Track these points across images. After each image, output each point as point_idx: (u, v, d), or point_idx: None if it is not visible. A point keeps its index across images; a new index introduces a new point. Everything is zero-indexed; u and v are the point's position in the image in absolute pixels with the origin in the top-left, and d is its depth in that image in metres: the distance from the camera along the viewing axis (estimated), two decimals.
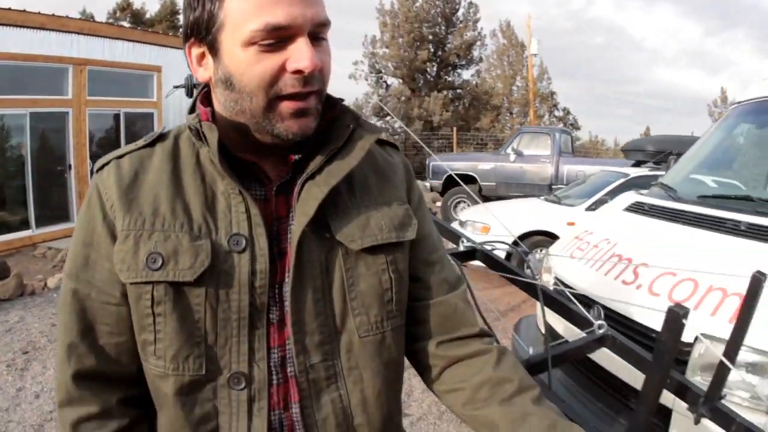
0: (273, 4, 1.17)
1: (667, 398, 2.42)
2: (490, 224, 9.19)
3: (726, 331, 2.22)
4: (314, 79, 1.23)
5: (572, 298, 2.57)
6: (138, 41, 16.35)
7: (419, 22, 35.82)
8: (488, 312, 5.10)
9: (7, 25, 12.98)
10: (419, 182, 14.74)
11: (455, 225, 9.72)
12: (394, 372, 1.44)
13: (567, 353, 2.42)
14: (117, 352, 1.31)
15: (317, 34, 1.23)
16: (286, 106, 1.23)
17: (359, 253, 1.35)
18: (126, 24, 34.16)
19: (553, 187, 15.24)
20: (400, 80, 37.55)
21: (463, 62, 37.93)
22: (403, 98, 36.66)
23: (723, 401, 2.05)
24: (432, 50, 36.74)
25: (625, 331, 2.91)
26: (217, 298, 1.25)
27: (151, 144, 1.36)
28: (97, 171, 1.35)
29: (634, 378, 2.88)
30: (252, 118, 1.26)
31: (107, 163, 1.34)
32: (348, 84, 41.53)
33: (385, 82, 38.32)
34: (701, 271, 2.91)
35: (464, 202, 15.97)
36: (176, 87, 7.85)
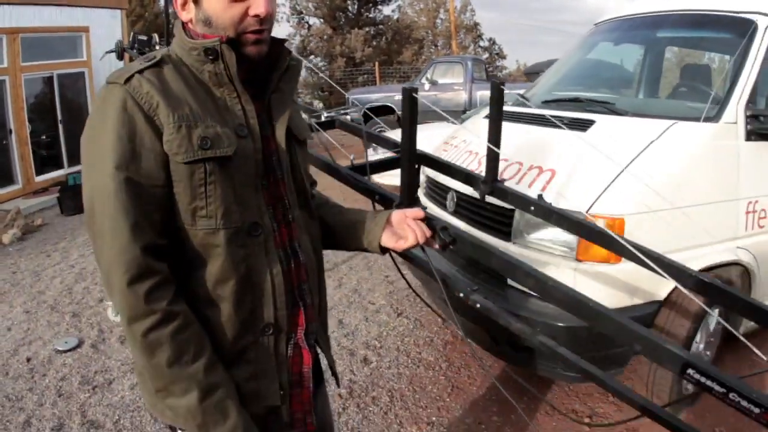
0: None
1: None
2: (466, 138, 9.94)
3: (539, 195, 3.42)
4: (267, 20, 1.73)
5: None
6: (65, 5, 16.89)
7: None
8: None
9: None
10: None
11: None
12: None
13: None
14: (161, 226, 1.63)
15: None
16: (248, 38, 1.72)
17: (302, 142, 1.99)
18: None
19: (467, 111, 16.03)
20: (321, 20, 37.74)
21: None
22: (325, 37, 36.92)
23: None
24: None
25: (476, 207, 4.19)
26: (239, 168, 1.70)
27: (157, 65, 1.71)
28: (124, 83, 1.63)
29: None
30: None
31: (131, 76, 1.64)
32: None
33: (307, 22, 38.55)
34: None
35: (383, 130, 16.69)
36: (108, 52, 8.48)
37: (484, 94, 16.69)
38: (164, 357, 1.57)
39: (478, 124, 5.05)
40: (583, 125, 4.08)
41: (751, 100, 3.92)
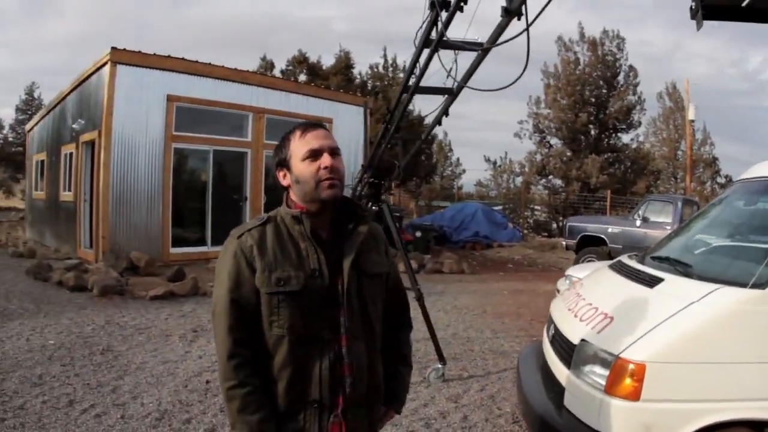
0: (311, 140, 2.52)
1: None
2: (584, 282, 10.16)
3: (595, 338, 4.15)
4: (334, 171, 2.50)
5: None
6: (311, 95, 18.77)
7: (581, 85, 36.24)
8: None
9: (194, 74, 15.85)
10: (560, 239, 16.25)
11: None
12: (377, 336, 2.72)
13: None
14: (251, 327, 2.45)
15: (333, 152, 2.53)
16: (324, 184, 2.48)
17: (370, 276, 2.64)
18: (303, 77, 36.18)
19: None
20: (562, 141, 38.07)
21: (623, 126, 37.79)
22: (564, 158, 37.21)
23: None
24: (593, 113, 36.84)
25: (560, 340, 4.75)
26: (308, 298, 2.44)
27: (264, 224, 2.54)
28: (238, 238, 2.51)
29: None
30: (310, 193, 2.50)
31: (242, 234, 2.51)
32: (513, 142, 41.80)
33: (548, 142, 38.98)
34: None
35: (593, 259, 16.75)
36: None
37: None
38: (235, 406, 2.39)
39: (598, 273, 5.96)
40: (652, 282, 4.54)
41: None
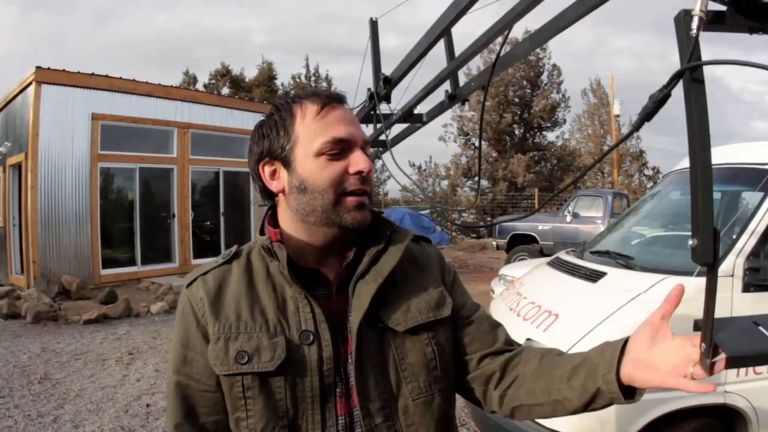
0: (335, 124, 1.57)
1: None
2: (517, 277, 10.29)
3: (539, 336, 4.08)
4: (368, 180, 1.59)
5: None
6: (235, 108, 18.62)
7: (505, 86, 36.72)
8: None
9: (118, 91, 15.49)
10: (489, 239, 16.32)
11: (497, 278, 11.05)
12: (445, 425, 1.70)
13: None
14: (215, 428, 1.61)
15: (364, 148, 1.61)
16: (350, 201, 1.57)
17: (405, 333, 1.64)
18: (226, 89, 36.07)
19: None
20: (487, 142, 38.43)
21: (548, 124, 38.69)
22: (490, 159, 37.74)
23: None
24: (517, 113, 37.48)
25: None
26: (294, 381, 1.54)
27: (229, 261, 1.67)
28: (187, 286, 1.65)
29: None
30: (322, 213, 1.57)
31: (194, 280, 1.65)
32: (438, 145, 42.11)
33: (473, 144, 39.34)
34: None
35: (525, 258, 16.92)
36: None
37: None
38: None
39: (538, 270, 5.95)
40: (595, 277, 4.57)
41: (755, 253, 4.03)
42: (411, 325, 1.65)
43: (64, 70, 14.70)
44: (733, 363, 1.31)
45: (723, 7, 1.30)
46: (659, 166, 39.40)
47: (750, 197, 4.53)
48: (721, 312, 3.69)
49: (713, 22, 1.28)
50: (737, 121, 69.82)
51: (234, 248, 1.74)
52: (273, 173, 1.65)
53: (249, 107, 19.46)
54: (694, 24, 1.27)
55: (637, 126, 1.49)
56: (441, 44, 4.14)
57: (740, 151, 4.91)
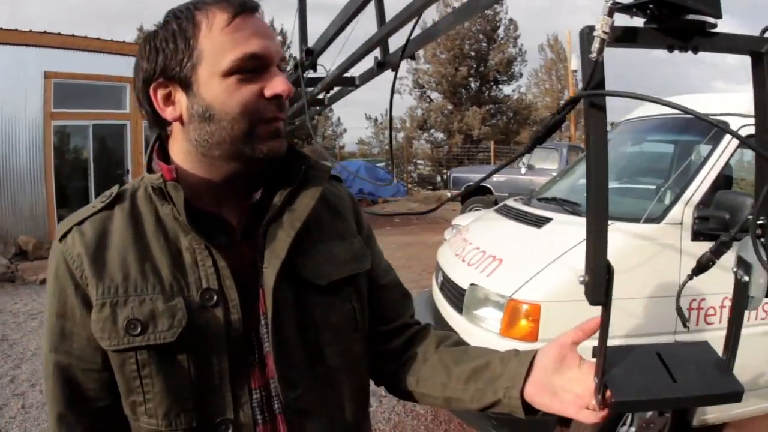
0: (248, 38, 1.25)
1: None
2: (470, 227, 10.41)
3: (484, 281, 4.18)
4: (285, 105, 1.32)
5: None
6: (104, 51, 18.33)
7: (460, 39, 36.55)
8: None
9: (70, 48, 15.32)
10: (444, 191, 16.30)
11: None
12: (363, 392, 1.54)
13: None
14: (107, 415, 1.32)
15: (280, 67, 1.32)
16: (265, 129, 1.28)
17: (326, 288, 1.40)
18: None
19: None
20: (442, 95, 38.54)
21: (504, 78, 38.56)
22: (445, 112, 37.78)
23: None
24: (473, 66, 37.30)
25: (449, 286, 4.81)
26: (197, 353, 1.26)
27: (109, 206, 1.35)
28: (60, 240, 1.32)
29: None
30: (231, 146, 1.28)
31: (68, 232, 1.32)
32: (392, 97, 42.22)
33: (429, 96, 39.45)
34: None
35: (479, 209, 16.80)
36: None
37: None
38: None
39: (486, 217, 6.16)
40: (540, 222, 4.67)
41: (704, 202, 4.07)
42: (334, 278, 1.43)
43: (16, 30, 14.50)
44: (617, 407, 1.24)
45: (640, 22, 1.19)
46: (615, 120, 39.54)
47: (700, 148, 4.60)
48: (670, 261, 3.92)
49: (623, 39, 1.15)
50: (698, 83, 70.98)
51: (115, 188, 1.40)
52: (167, 97, 1.31)
53: (121, 49, 19.27)
54: (595, 47, 1.11)
55: (528, 149, 1.43)
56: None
57: (693, 103, 4.90)
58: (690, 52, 1.17)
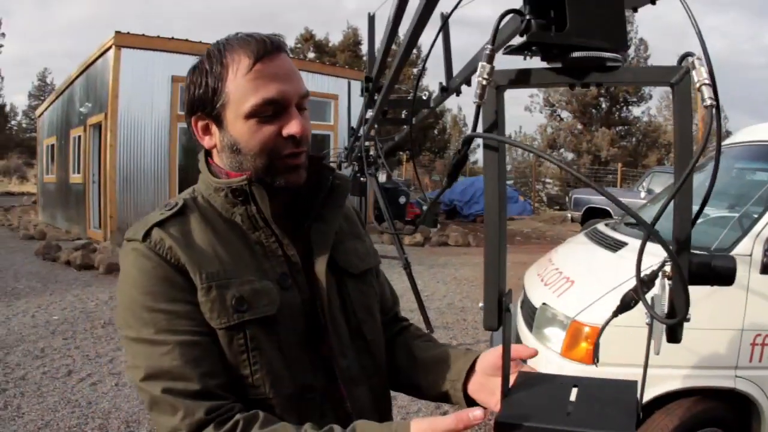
0: (267, 83, 1.41)
1: None
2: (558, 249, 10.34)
3: (554, 301, 4.18)
4: (303, 141, 1.48)
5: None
6: (316, 72, 18.99)
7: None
8: None
9: (198, 55, 15.90)
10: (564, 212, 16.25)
11: None
12: (386, 363, 1.75)
13: None
14: (231, 389, 1.39)
15: (300, 105, 1.49)
16: (283, 164, 1.47)
17: (357, 275, 1.68)
18: (311, 54, 36.38)
19: None
20: (572, 114, 38.21)
21: (634, 99, 37.87)
22: (575, 131, 37.43)
23: None
24: (603, 86, 36.62)
25: (527, 304, 4.81)
26: (287, 327, 1.46)
27: (179, 212, 1.48)
28: (142, 240, 1.41)
29: None
30: (255, 174, 1.47)
31: (149, 231, 1.42)
32: (524, 115, 41.71)
33: (559, 115, 39.22)
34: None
35: None
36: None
37: None
38: None
39: (575, 240, 6.13)
40: (616, 246, 4.61)
41: None
42: (363, 268, 1.71)
43: (143, 35, 15.24)
44: (498, 428, 1.19)
45: (538, 62, 1.18)
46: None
47: None
48: (736, 294, 3.80)
49: (518, 81, 1.16)
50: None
51: (177, 200, 1.54)
52: (205, 128, 1.53)
53: (329, 71, 19.74)
54: (476, 92, 1.13)
55: (443, 190, 1.43)
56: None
57: (765, 131, 4.90)
58: None
